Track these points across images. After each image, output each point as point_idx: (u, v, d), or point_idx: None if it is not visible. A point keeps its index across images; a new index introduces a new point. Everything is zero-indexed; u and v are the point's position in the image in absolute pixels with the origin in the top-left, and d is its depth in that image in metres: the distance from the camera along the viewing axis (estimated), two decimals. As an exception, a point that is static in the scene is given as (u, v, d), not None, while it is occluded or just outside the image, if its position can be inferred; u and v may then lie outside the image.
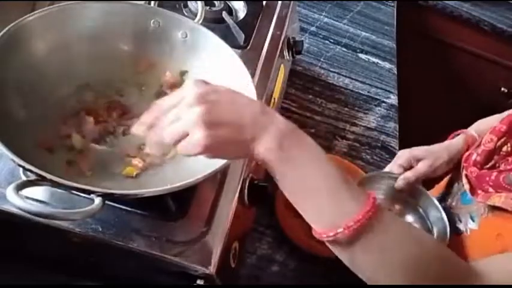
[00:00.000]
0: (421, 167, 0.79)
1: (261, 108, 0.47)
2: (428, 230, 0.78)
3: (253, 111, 0.46)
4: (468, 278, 0.50)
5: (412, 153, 0.81)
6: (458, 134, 0.84)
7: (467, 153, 0.78)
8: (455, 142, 0.82)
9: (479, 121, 0.87)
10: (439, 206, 0.78)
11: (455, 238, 0.74)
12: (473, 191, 0.72)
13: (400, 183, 0.79)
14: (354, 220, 0.44)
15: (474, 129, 0.84)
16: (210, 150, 0.45)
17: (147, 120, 0.48)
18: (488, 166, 0.73)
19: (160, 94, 0.68)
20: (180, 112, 0.46)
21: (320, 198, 0.47)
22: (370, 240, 0.46)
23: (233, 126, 0.45)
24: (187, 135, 0.45)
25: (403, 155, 0.82)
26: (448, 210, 0.78)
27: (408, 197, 0.81)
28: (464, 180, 0.74)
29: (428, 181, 0.83)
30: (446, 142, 0.83)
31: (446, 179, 0.86)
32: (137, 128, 0.49)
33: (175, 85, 0.68)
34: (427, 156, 0.80)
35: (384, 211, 0.47)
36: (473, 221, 0.71)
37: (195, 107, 0.44)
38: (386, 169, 0.83)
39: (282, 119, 0.47)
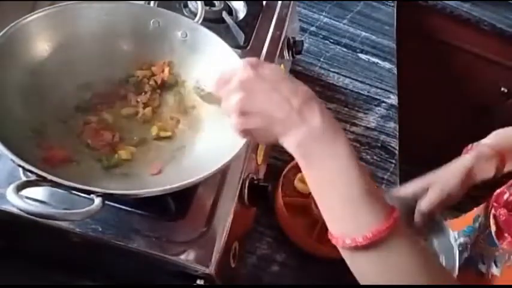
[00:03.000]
0: (431, 195, 0.72)
1: (300, 102, 0.46)
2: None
3: (290, 106, 0.46)
4: None
5: (420, 182, 0.75)
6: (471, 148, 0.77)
7: (498, 191, 0.72)
8: (462, 161, 0.75)
9: (496, 131, 0.79)
10: (451, 237, 0.72)
11: (476, 278, 0.69)
12: (500, 234, 0.67)
13: (417, 218, 0.72)
14: (367, 236, 0.43)
15: (491, 139, 0.77)
16: (242, 134, 0.49)
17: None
18: None
19: (160, 90, 0.68)
20: (227, 94, 0.48)
21: (338, 205, 0.46)
22: (378, 259, 0.45)
23: (264, 118, 0.46)
24: None
25: (413, 184, 0.76)
26: (471, 248, 0.73)
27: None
28: (492, 221, 0.69)
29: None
30: (453, 162, 0.76)
31: (472, 213, 0.80)
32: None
33: (167, 83, 0.69)
34: (435, 182, 0.73)
35: (403, 232, 0.45)
36: (496, 266, 0.67)
37: (235, 93, 0.47)
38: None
39: (318, 119, 0.46)
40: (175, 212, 0.59)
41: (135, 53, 0.69)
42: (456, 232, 0.83)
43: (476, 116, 1.73)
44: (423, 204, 0.72)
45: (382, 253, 0.44)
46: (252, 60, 0.48)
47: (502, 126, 0.80)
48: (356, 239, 0.44)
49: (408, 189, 0.76)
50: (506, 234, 0.66)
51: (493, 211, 0.70)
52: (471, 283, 0.67)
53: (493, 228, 0.68)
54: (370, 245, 0.44)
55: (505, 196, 0.69)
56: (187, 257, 0.56)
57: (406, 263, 0.45)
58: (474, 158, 0.74)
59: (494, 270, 0.67)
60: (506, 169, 0.74)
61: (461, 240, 0.80)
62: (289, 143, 0.47)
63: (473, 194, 0.82)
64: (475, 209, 0.80)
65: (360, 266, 0.46)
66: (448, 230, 0.75)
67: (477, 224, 0.77)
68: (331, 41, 1.25)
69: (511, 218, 0.66)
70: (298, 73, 1.11)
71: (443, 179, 0.73)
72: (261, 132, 0.48)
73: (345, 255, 0.46)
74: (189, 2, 0.85)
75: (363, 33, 1.31)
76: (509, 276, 0.65)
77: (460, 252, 0.78)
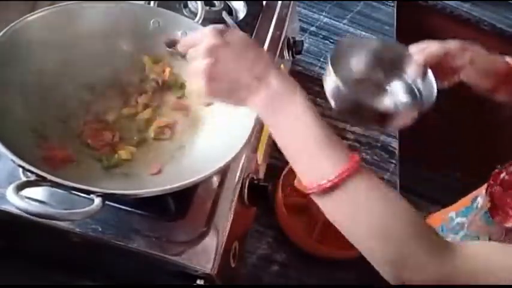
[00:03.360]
0: (431, 46, 0.76)
1: (261, 69, 0.51)
2: (414, 94, 0.76)
3: (253, 73, 0.51)
4: (441, 248, 0.49)
5: (424, 42, 0.77)
6: None
7: (496, 171, 0.75)
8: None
9: None
10: (433, 78, 0.74)
11: None
12: (494, 211, 0.70)
13: (411, 69, 0.76)
14: (328, 179, 0.47)
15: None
16: (210, 95, 0.53)
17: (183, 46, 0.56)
18: None
19: (161, 91, 0.68)
20: (195, 55, 0.53)
21: (301, 156, 0.51)
22: (347, 198, 0.49)
23: (229, 84, 0.51)
24: None
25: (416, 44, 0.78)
26: (468, 227, 0.76)
27: (394, 64, 0.77)
28: (487, 198, 0.72)
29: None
30: None
31: (470, 195, 0.83)
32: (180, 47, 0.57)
33: (167, 83, 0.69)
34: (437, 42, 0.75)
35: (363, 174, 0.49)
36: None
37: (202, 58, 0.51)
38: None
39: (275, 84, 0.50)
40: (175, 212, 0.59)
41: (135, 53, 0.69)
42: (454, 213, 0.85)
43: (476, 115, 1.73)
44: (420, 54, 0.76)
45: (349, 192, 0.48)
46: (219, 27, 0.53)
47: (502, 125, 0.81)
48: (319, 183, 0.48)
49: (413, 48, 0.78)
50: (500, 211, 0.68)
51: (489, 189, 0.73)
52: None
53: (488, 205, 0.71)
54: (337, 186, 0.48)
55: (502, 175, 0.71)
56: (187, 257, 0.56)
57: (373, 198, 0.49)
58: (481, 49, 0.78)
59: None
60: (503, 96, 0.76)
61: (459, 220, 0.82)
62: (254, 106, 0.51)
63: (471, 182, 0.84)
64: (473, 192, 0.83)
65: (333, 209, 0.50)
66: (431, 72, 0.76)
67: (475, 205, 0.79)
68: (331, 41, 1.24)
69: (504, 194, 0.69)
70: (298, 73, 1.11)
71: (444, 42, 0.76)
72: (226, 97, 0.53)
73: (318, 201, 0.50)
74: (189, 2, 0.85)
75: (363, 33, 1.31)
76: None
77: (457, 231, 0.81)
